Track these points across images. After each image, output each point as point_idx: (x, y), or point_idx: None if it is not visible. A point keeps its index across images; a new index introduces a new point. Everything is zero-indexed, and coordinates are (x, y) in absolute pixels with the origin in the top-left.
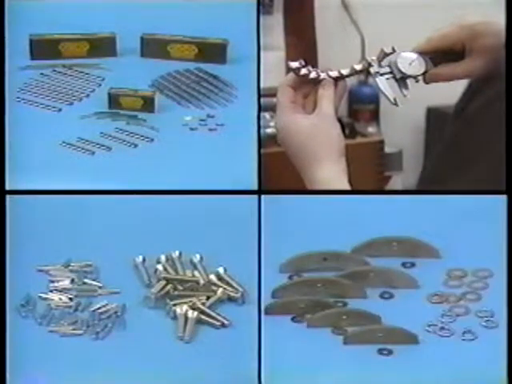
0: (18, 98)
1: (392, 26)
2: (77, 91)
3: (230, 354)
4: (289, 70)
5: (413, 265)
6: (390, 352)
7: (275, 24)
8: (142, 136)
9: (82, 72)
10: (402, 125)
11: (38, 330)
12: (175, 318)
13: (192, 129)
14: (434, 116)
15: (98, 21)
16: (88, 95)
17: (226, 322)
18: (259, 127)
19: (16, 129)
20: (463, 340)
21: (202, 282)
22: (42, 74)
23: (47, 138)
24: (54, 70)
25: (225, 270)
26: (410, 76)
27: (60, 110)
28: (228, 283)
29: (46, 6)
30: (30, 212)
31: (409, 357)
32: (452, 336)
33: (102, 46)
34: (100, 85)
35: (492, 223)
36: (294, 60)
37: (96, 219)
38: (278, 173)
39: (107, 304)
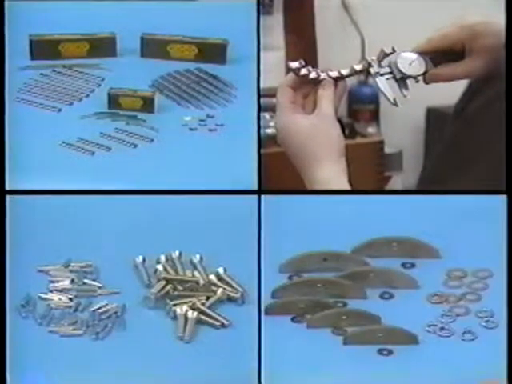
0: (17, 98)
1: (392, 26)
2: (77, 91)
3: (230, 354)
4: (289, 70)
5: (413, 265)
6: (390, 352)
7: (275, 24)
8: (141, 136)
9: (81, 72)
10: (401, 125)
11: (37, 330)
12: (175, 318)
13: (192, 129)
14: (434, 116)
15: (98, 21)
16: (88, 95)
17: (225, 322)
18: (259, 127)
19: (16, 129)
20: (463, 340)
21: (201, 282)
22: (41, 74)
23: (47, 138)
24: (54, 71)
25: (225, 270)
26: (409, 76)
27: (60, 110)
28: (228, 283)
29: (46, 6)
30: (29, 212)
31: (409, 357)
32: (452, 336)
33: (102, 46)
34: (100, 85)
35: (492, 223)
36: (293, 60)
37: (96, 219)
38: (278, 173)
39: (107, 304)
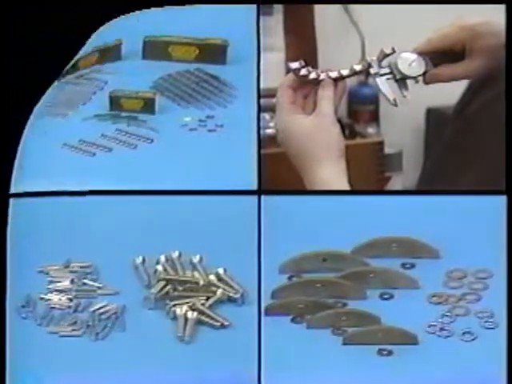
0: None
1: (392, 27)
2: (81, 96)
3: (229, 354)
4: (289, 70)
5: (413, 265)
6: (390, 352)
7: (275, 25)
8: (141, 137)
9: (86, 78)
10: (401, 125)
11: (37, 330)
12: (175, 318)
13: (191, 129)
14: (434, 117)
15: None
16: (90, 98)
17: (225, 322)
18: (259, 128)
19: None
20: (463, 340)
21: (201, 282)
22: None
23: (49, 140)
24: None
25: (224, 270)
26: (409, 76)
27: (65, 115)
28: (228, 284)
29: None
30: (30, 213)
31: (409, 357)
32: (452, 336)
33: (110, 55)
34: (103, 88)
35: (492, 223)
36: (293, 60)
37: (96, 219)
38: (278, 173)
39: (107, 304)
